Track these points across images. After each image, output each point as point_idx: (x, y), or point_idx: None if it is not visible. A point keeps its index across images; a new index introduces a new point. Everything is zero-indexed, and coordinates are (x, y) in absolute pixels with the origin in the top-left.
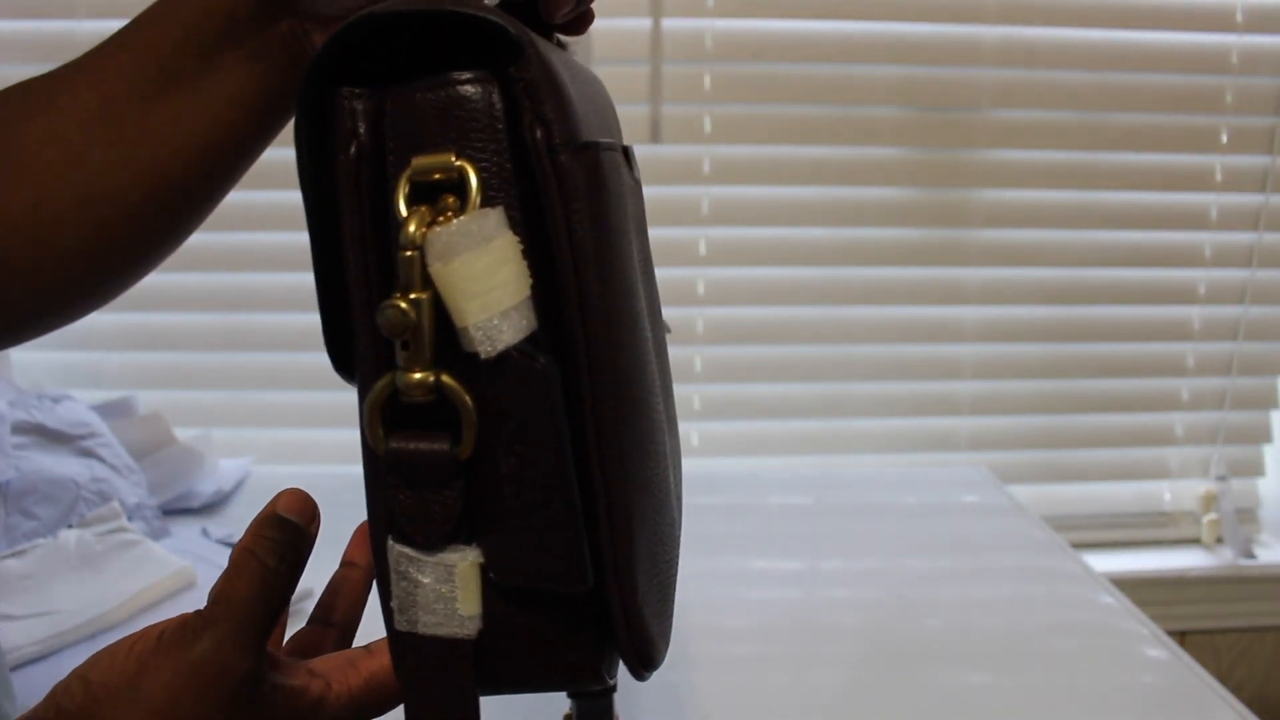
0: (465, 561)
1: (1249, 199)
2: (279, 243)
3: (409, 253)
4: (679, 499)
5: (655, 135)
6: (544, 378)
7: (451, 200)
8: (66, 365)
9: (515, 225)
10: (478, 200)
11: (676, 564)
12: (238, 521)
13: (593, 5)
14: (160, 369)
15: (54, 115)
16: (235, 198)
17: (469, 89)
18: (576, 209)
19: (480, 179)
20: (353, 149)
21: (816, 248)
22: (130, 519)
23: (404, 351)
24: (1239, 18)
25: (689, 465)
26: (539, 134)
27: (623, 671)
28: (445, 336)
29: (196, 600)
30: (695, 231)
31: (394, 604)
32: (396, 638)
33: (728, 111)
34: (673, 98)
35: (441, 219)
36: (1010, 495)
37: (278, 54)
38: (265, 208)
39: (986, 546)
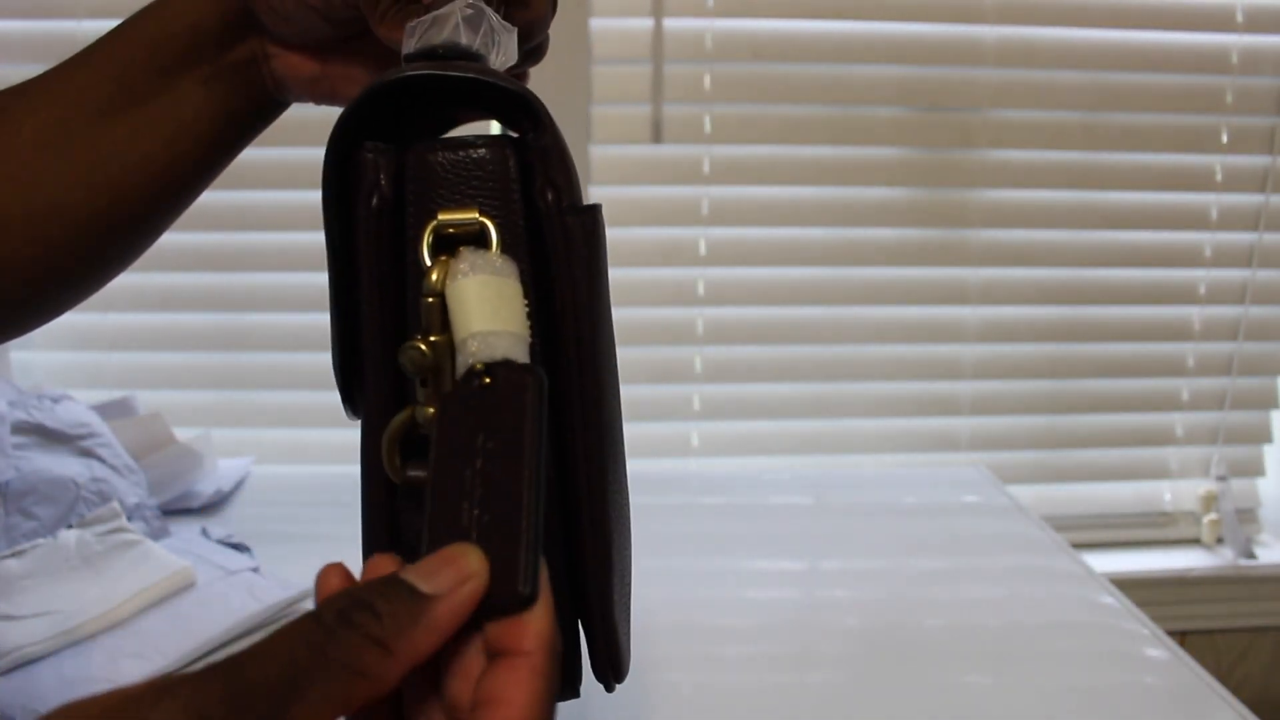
0: None
1: (1249, 199)
2: (279, 243)
3: (430, 299)
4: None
5: (655, 135)
6: (536, 380)
7: (465, 251)
8: (66, 365)
9: (524, 279)
10: (498, 250)
11: (631, 590)
12: (238, 521)
13: (547, 44)
14: (160, 369)
15: (9, 130)
16: (236, 198)
17: (486, 152)
18: (577, 264)
19: (499, 234)
20: (374, 201)
21: (816, 248)
22: (130, 519)
23: (424, 389)
24: (1239, 18)
25: (689, 465)
26: (550, 197)
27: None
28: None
29: (196, 600)
30: (695, 231)
31: None
32: None
33: (728, 111)
34: (673, 98)
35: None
36: (1010, 495)
37: (233, 79)
38: (266, 208)
39: (986, 546)
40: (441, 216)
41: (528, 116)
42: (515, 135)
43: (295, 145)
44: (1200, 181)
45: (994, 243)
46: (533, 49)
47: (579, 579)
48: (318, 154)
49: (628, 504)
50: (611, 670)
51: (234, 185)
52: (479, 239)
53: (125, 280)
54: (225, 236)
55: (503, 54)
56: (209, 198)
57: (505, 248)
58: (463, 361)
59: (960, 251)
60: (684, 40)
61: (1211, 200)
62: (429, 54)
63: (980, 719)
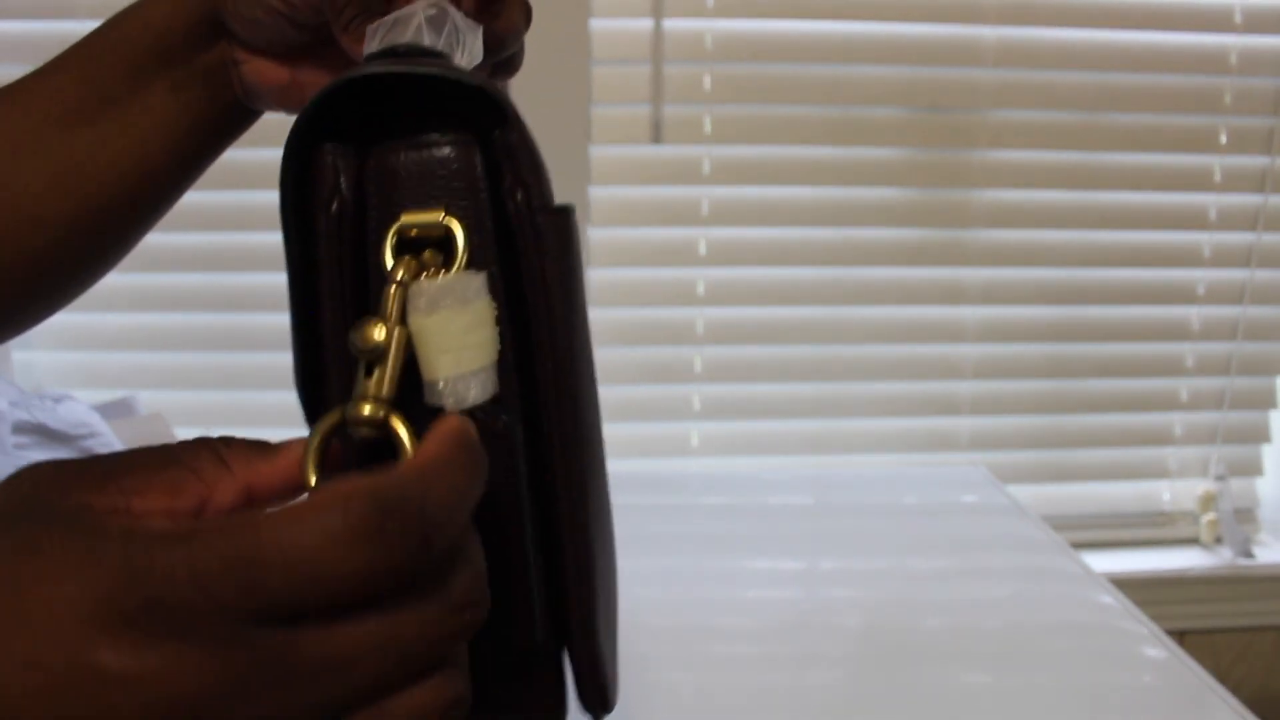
0: None
1: (1248, 199)
2: (279, 243)
3: (393, 288)
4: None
5: (655, 135)
6: (506, 437)
7: (430, 255)
8: (67, 365)
9: (494, 283)
10: (464, 258)
11: (617, 611)
12: None
13: (524, 46)
14: (160, 369)
15: None
16: (236, 198)
17: (450, 150)
18: (550, 265)
19: (466, 235)
20: (334, 205)
21: (816, 248)
22: None
23: (365, 379)
24: (1238, 18)
25: (689, 465)
26: (519, 196)
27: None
28: (409, 388)
29: None
30: (695, 231)
31: None
32: None
33: (728, 111)
34: (673, 98)
35: (427, 274)
36: (1010, 495)
37: (204, 85)
38: (266, 208)
39: (986, 546)
40: (405, 218)
41: (495, 112)
42: (483, 132)
43: None
44: (1199, 182)
45: (994, 243)
46: (506, 61)
47: (562, 605)
48: None
49: (611, 521)
50: (599, 701)
51: (235, 185)
52: (445, 242)
53: (126, 280)
54: (226, 236)
55: (468, 54)
56: (210, 198)
57: (473, 250)
58: (431, 399)
59: (960, 251)
60: (684, 40)
61: (1210, 200)
62: (390, 53)
63: (980, 719)
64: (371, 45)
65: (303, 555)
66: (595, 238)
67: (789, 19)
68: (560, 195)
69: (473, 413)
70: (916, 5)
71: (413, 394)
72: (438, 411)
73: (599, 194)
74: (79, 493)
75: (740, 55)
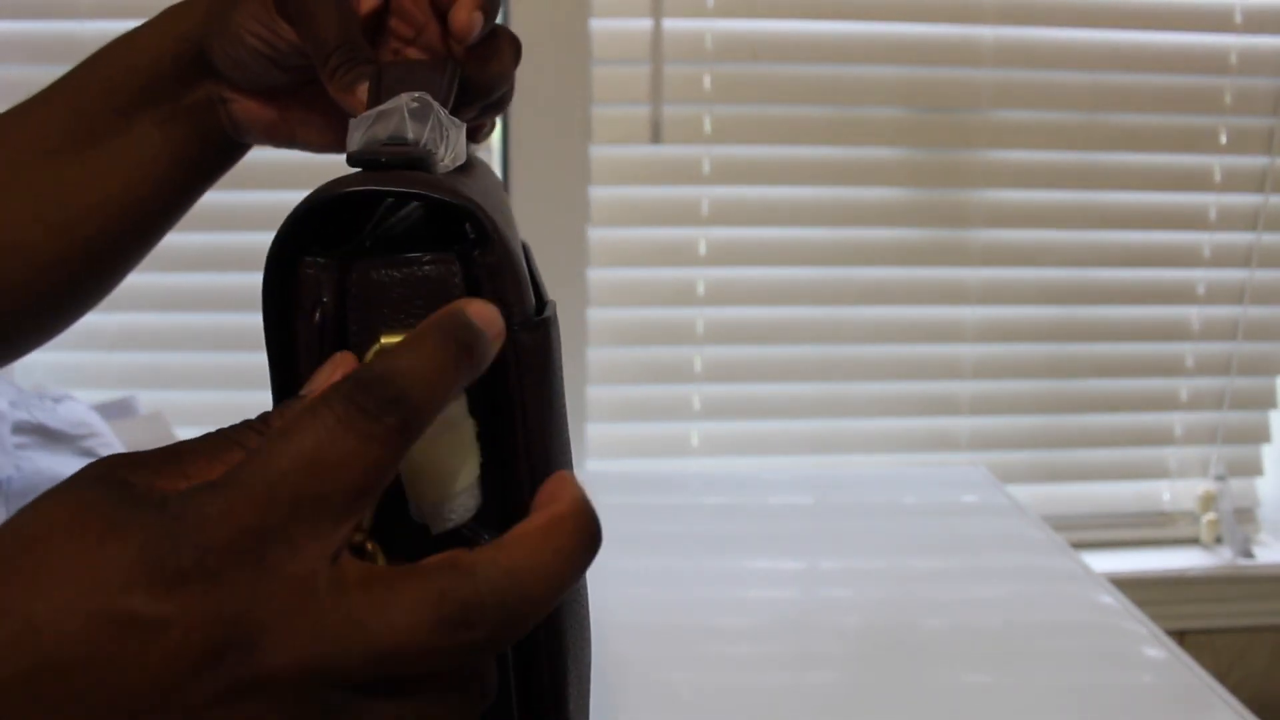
0: None
1: (1248, 199)
2: None
3: None
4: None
5: (655, 135)
6: None
7: None
8: (67, 365)
9: (473, 402)
10: None
11: (590, 683)
12: None
13: (512, 95)
14: (160, 369)
15: None
16: (238, 198)
17: (432, 269)
18: (529, 383)
19: None
20: (316, 317)
21: (816, 248)
22: None
23: None
24: (1238, 18)
25: (689, 465)
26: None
27: (612, 671)
28: (385, 508)
29: None
30: (695, 231)
31: None
32: None
33: (728, 111)
34: (673, 98)
35: None
36: (1010, 495)
37: (191, 121)
38: (267, 208)
39: (986, 546)
40: (384, 340)
41: (475, 230)
42: (465, 242)
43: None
44: (1199, 182)
45: (994, 243)
46: (496, 101)
47: (534, 683)
48: (320, 154)
49: (586, 608)
50: None
51: (236, 185)
52: None
53: (126, 280)
54: (226, 236)
55: (452, 151)
56: (210, 198)
57: None
58: (416, 517)
59: (960, 251)
60: (684, 40)
61: (1210, 200)
62: (373, 158)
63: (980, 719)
64: (354, 138)
65: (314, 451)
66: (595, 238)
67: (789, 19)
68: (560, 195)
69: (458, 531)
70: (916, 5)
71: (396, 505)
72: (421, 528)
73: (599, 194)
74: (144, 476)
75: (740, 55)
